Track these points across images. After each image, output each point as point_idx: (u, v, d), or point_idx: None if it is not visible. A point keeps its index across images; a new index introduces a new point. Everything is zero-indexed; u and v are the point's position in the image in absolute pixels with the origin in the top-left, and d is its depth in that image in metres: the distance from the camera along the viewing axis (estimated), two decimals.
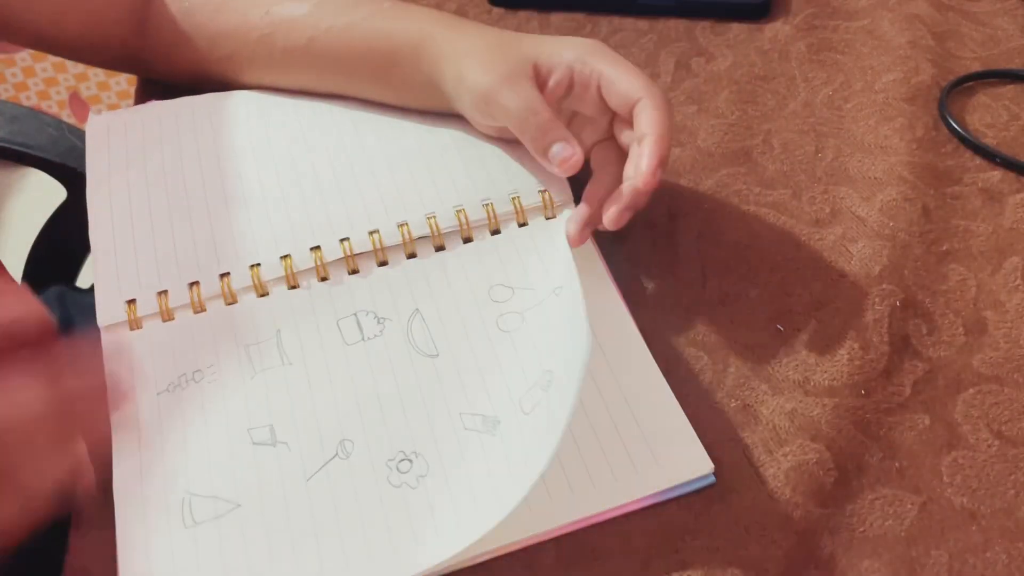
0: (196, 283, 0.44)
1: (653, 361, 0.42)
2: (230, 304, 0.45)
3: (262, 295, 0.45)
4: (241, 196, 0.48)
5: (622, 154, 0.45)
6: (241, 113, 0.52)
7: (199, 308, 0.44)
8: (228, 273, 0.45)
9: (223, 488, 0.39)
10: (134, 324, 0.44)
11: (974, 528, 0.37)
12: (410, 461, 0.39)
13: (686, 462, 0.39)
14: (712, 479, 0.38)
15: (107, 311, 0.44)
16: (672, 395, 0.41)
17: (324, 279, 0.45)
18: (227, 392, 0.41)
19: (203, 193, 0.48)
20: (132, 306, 0.44)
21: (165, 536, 0.37)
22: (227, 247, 0.45)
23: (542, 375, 0.40)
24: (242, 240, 0.45)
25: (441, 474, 0.39)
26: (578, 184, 0.51)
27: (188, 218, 0.46)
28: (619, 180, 0.43)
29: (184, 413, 0.41)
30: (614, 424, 0.40)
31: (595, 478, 0.38)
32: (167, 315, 0.44)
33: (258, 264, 0.45)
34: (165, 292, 0.44)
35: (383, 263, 0.46)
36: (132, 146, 0.50)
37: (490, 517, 0.36)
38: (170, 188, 0.48)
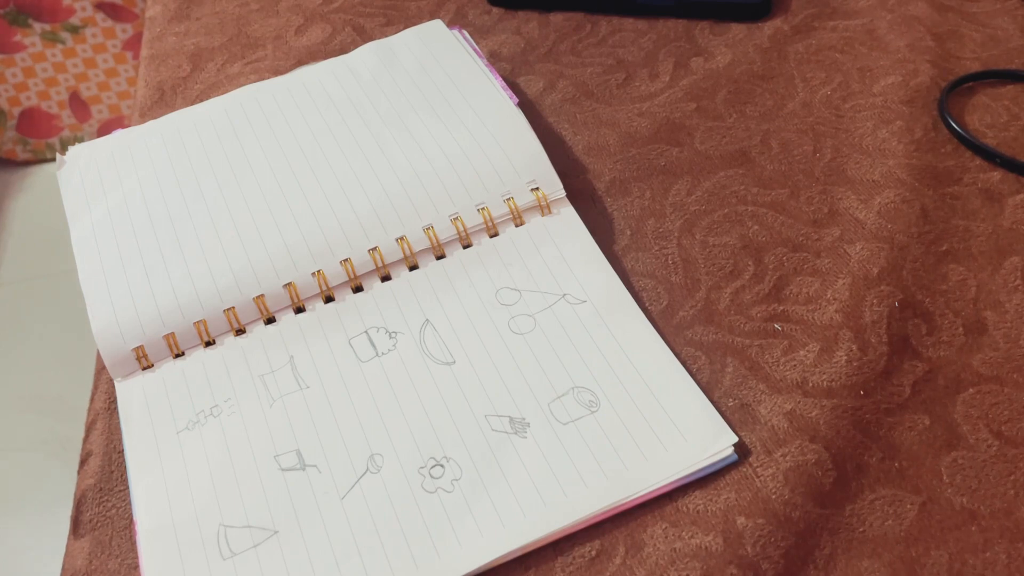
0: (202, 320, 0.44)
1: (662, 341, 0.43)
2: (239, 334, 0.45)
3: (269, 321, 0.45)
4: (232, 224, 0.47)
5: None
6: (216, 133, 0.51)
7: (208, 340, 0.44)
8: (232, 307, 0.45)
9: (257, 517, 0.39)
10: (145, 365, 0.44)
11: (974, 528, 0.37)
12: (442, 467, 0.39)
13: (711, 437, 0.39)
14: (735, 456, 0.39)
15: (118, 365, 0.44)
16: (684, 371, 0.41)
17: (329, 299, 0.45)
18: (248, 423, 0.42)
19: (191, 224, 0.47)
20: (140, 350, 0.44)
21: (204, 570, 0.37)
22: (226, 279, 0.45)
23: (577, 391, 0.41)
24: (242, 273, 0.45)
25: (476, 476, 0.39)
26: (569, 177, 0.51)
27: (180, 252, 0.46)
28: None
29: (207, 448, 0.41)
30: (637, 408, 0.40)
31: (627, 462, 0.39)
32: (177, 350, 0.44)
33: (262, 295, 0.45)
34: (172, 333, 0.44)
35: (386, 278, 0.46)
36: (107, 177, 0.50)
37: (538, 515, 0.37)
38: (155, 221, 0.48)
